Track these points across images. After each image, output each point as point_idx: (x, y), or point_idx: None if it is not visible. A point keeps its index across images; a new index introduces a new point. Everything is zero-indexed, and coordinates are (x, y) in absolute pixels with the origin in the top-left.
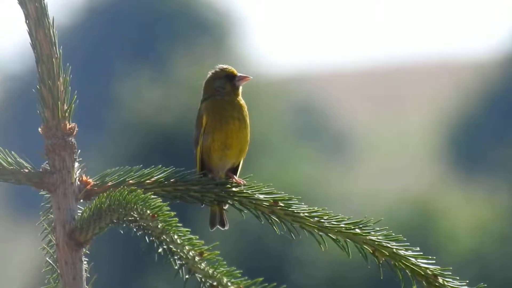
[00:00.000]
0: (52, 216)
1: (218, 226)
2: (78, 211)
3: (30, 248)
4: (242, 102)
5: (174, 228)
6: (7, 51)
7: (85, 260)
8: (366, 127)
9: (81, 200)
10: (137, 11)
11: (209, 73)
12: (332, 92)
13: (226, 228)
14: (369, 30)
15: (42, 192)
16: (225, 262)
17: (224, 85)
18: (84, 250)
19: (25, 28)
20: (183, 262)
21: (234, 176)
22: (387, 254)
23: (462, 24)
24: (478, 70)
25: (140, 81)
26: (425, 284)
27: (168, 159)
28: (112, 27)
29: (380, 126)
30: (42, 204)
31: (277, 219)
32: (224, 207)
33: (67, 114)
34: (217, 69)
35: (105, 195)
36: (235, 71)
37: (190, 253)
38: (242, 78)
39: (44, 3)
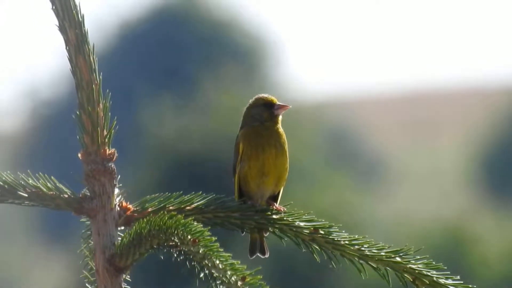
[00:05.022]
0: (92, 242)
1: (258, 253)
2: (118, 237)
3: (63, 274)
4: (281, 130)
5: (216, 253)
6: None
7: (124, 286)
8: (399, 153)
9: (122, 227)
10: (167, 36)
11: (250, 102)
12: (366, 118)
13: (266, 256)
14: (403, 55)
15: (83, 219)
16: (268, 287)
17: (262, 113)
18: (124, 276)
19: (60, 54)
20: (225, 287)
21: (275, 203)
22: (427, 283)
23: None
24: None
25: (166, 107)
26: None
27: (193, 185)
28: (140, 51)
29: (413, 152)
30: (83, 231)
31: (317, 247)
32: (265, 234)
33: (106, 140)
34: (257, 98)
35: (145, 220)
36: (275, 100)
37: (233, 278)
38: (281, 107)
39: (84, 30)
